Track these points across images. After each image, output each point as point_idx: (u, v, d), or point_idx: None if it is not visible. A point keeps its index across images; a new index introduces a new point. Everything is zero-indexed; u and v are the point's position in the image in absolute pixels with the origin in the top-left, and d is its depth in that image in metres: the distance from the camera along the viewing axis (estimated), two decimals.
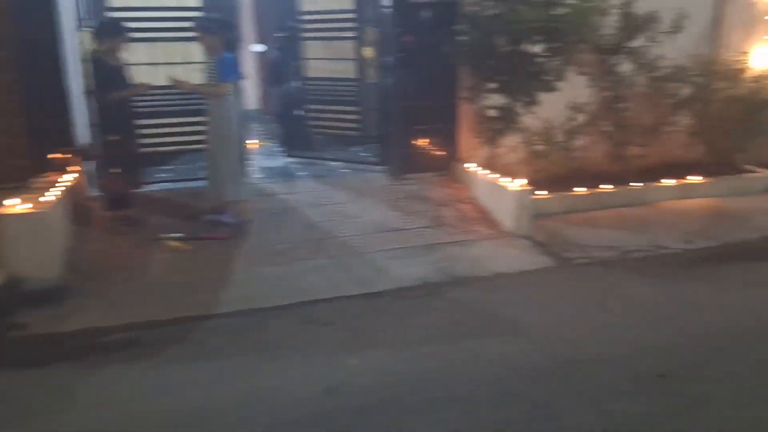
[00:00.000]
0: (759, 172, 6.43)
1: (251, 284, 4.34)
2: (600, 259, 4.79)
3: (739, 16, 6.52)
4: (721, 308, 3.99)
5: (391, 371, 3.30)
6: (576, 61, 5.60)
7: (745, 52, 6.40)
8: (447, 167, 6.24)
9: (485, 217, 5.49)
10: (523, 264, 4.69)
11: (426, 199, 5.83)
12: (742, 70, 6.24)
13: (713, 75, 6.19)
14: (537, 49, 5.47)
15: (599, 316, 3.91)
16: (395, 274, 4.49)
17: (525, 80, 5.51)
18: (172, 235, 4.98)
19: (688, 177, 6.16)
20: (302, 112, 7.61)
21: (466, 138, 6.12)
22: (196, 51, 5.71)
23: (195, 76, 5.46)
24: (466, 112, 6.05)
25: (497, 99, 5.73)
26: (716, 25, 6.51)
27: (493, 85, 5.68)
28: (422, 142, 6.23)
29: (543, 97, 5.59)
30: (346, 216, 5.51)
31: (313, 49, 7.45)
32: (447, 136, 6.20)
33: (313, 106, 7.59)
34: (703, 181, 6.17)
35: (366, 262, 4.68)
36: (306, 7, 7.38)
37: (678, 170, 6.23)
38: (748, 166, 6.50)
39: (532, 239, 5.10)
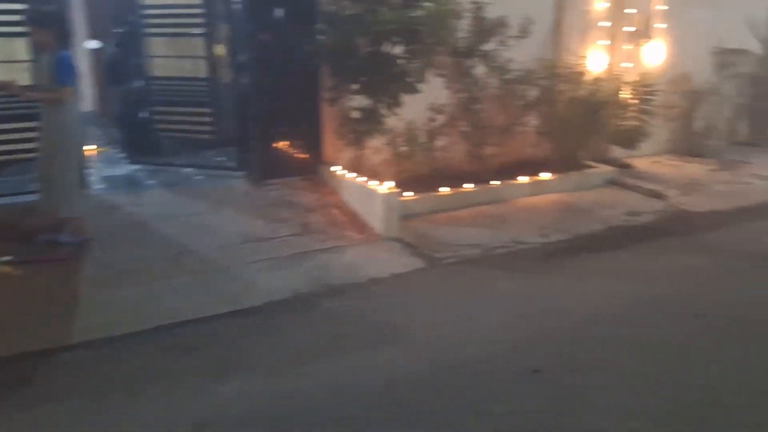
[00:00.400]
0: (599, 168, 6.96)
1: (100, 310, 3.86)
2: (467, 257, 4.87)
3: (575, 22, 7.00)
4: (581, 298, 4.21)
5: (268, 397, 3.06)
6: (435, 63, 5.66)
7: (583, 56, 6.90)
8: (313, 171, 6.06)
9: (355, 221, 5.38)
10: (395, 267, 4.64)
11: (292, 205, 5.60)
12: (581, 73, 6.71)
13: (557, 78, 6.59)
14: (398, 50, 5.46)
15: (473, 315, 3.95)
16: (264, 288, 4.23)
17: (387, 82, 5.48)
18: None
19: (539, 174, 6.50)
20: (147, 115, 7.02)
21: (331, 140, 5.98)
22: (20, 48, 5.01)
23: (21, 76, 4.77)
24: (329, 114, 5.91)
25: (361, 100, 5.65)
26: (556, 30, 6.94)
27: (355, 86, 5.59)
28: (284, 145, 5.99)
29: (405, 98, 5.59)
30: (205, 227, 5.13)
31: (157, 45, 6.90)
32: (311, 138, 6.01)
33: (159, 108, 7.04)
34: (552, 177, 6.54)
35: (231, 277, 4.37)
36: (148, 1, 6.81)
37: (530, 168, 6.55)
38: (589, 162, 7.00)
39: (402, 241, 5.08)
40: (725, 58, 8.17)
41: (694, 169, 7.48)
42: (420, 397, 3.06)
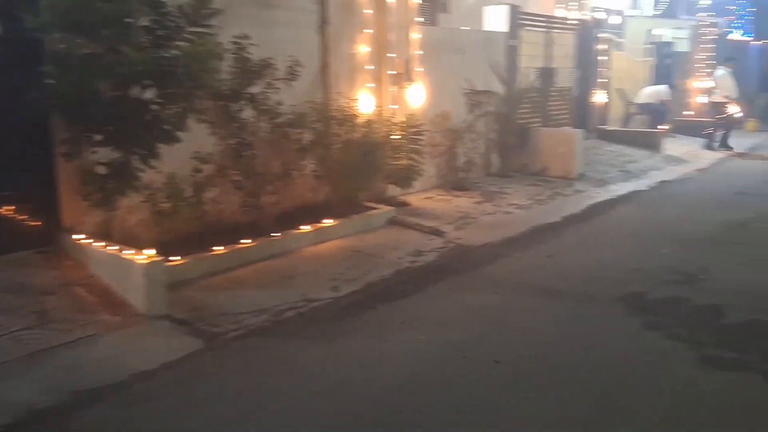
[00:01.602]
0: (379, 208, 6.85)
1: None
2: (254, 327, 4.26)
3: (342, 65, 6.89)
4: (384, 359, 3.87)
5: None
6: (196, 108, 5.01)
7: (354, 99, 6.79)
8: (49, 241, 4.94)
9: (109, 300, 4.42)
10: (166, 354, 3.82)
11: (22, 289, 4.43)
12: (354, 116, 6.57)
13: (330, 121, 6.36)
14: (150, 95, 4.70)
15: (267, 406, 3.34)
16: None
17: (139, 130, 4.67)
18: None
19: (322, 220, 6.16)
20: None
21: (72, 201, 4.94)
22: None
23: None
24: (67, 171, 4.88)
25: (107, 153, 4.74)
26: (324, 73, 6.75)
27: (99, 137, 4.68)
28: (7, 211, 4.80)
29: (164, 148, 4.83)
30: None
31: None
32: (44, 201, 4.91)
33: None
34: (334, 223, 6.24)
35: None
36: None
37: (311, 214, 6.19)
38: (369, 203, 6.87)
39: (173, 318, 4.28)
40: (475, 98, 8.77)
41: (461, 202, 7.80)
42: None
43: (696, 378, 3.64)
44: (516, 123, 9.49)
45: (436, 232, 6.49)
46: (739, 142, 12.98)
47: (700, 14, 15.68)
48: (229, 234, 5.45)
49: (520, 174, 9.37)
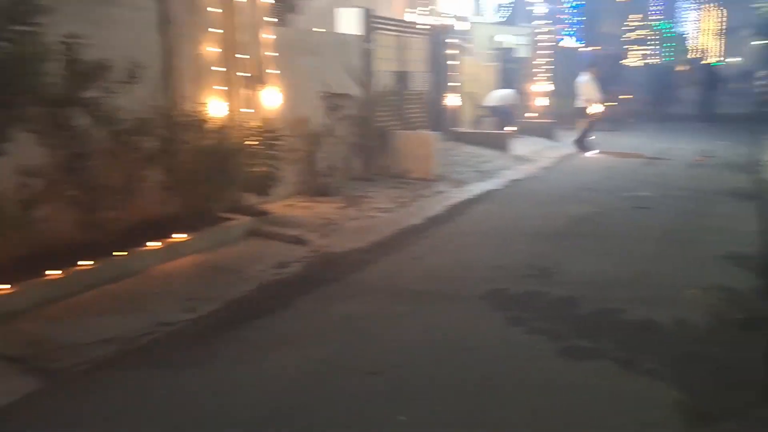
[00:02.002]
0: (236, 219, 6.50)
1: None
2: (101, 359, 3.80)
3: (189, 67, 6.44)
4: (252, 385, 3.60)
5: None
6: (21, 117, 4.39)
7: (203, 103, 6.37)
8: None
9: None
10: None
11: None
12: (204, 121, 6.16)
13: (178, 127, 5.90)
14: None
15: None
16: None
17: None
18: None
19: (172, 235, 5.70)
20: None
21: None
22: None
23: None
24: None
25: None
26: (170, 76, 6.27)
27: None
28: None
29: None
30: None
31: None
32: None
33: None
34: (188, 237, 5.81)
35: None
36: None
37: (161, 229, 5.70)
38: (225, 215, 6.49)
39: (2, 356, 3.70)
40: (333, 101, 8.66)
41: (324, 208, 7.64)
42: None
43: (556, 370, 3.76)
44: (375, 126, 9.51)
45: (300, 241, 6.27)
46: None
47: (537, 22, 16.81)
48: (66, 256, 4.85)
49: (382, 177, 9.40)
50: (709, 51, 43.96)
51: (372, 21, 9.93)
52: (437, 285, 5.23)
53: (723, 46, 47.93)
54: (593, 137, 13.38)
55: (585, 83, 13.36)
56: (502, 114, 13.60)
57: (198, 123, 6.10)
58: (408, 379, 3.64)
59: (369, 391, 3.52)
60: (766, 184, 9.19)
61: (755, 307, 4.61)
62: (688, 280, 5.18)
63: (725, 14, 45.42)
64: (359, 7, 9.78)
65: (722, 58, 42.34)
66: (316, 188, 8.22)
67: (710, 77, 21.29)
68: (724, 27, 46.48)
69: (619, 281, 5.24)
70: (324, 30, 9.45)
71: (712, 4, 44.30)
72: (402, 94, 10.85)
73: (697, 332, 4.22)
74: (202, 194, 6.19)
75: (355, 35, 9.66)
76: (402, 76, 10.92)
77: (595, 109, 13.19)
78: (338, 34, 9.75)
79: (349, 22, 9.77)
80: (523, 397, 3.44)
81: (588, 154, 12.91)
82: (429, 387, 3.55)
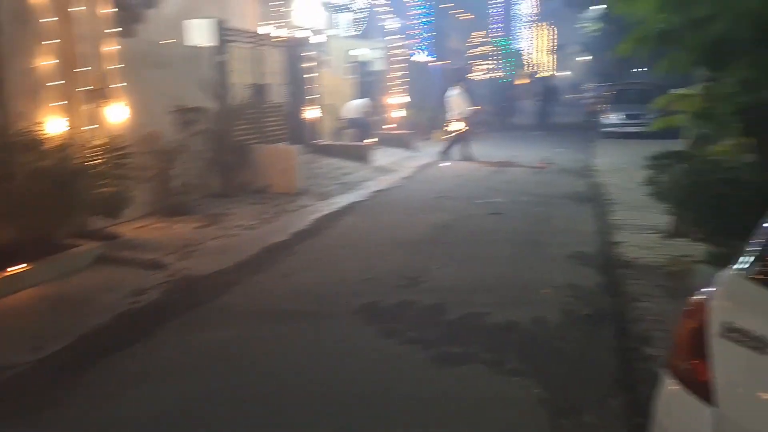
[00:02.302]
0: (84, 245, 5.97)
1: None
2: None
3: (22, 82, 5.83)
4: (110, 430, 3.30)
5: None
6: None
7: (40, 121, 5.79)
8: None
9: None
10: None
11: None
12: (41, 140, 5.60)
13: (11, 147, 5.31)
14: None
15: None
16: None
17: None
18: None
19: (9, 267, 5.11)
20: None
21: None
22: None
23: None
24: None
25: None
26: None
27: None
28: None
29: None
30: None
31: None
32: None
33: None
34: (27, 267, 5.24)
35: None
36: None
37: None
38: (71, 241, 5.94)
39: None
40: (186, 116, 8.29)
41: (182, 228, 7.27)
42: None
43: (429, 378, 3.84)
44: (233, 140, 9.23)
45: (158, 265, 5.88)
46: (429, 151, 14.61)
47: (390, 37, 17.33)
48: None
49: (243, 193, 9.14)
50: (543, 66, 47.96)
51: (225, 33, 9.64)
52: (309, 303, 5.15)
53: (554, 61, 52.54)
54: (461, 148, 13.89)
55: (455, 97, 13.95)
56: (361, 125, 13.82)
57: (35, 142, 5.54)
58: (283, 405, 3.53)
59: (242, 423, 3.36)
60: (598, 188, 10.15)
61: (600, 301, 5.03)
62: (541, 281, 5.55)
63: (555, 32, 49.92)
64: (211, 18, 9.45)
65: (554, 73, 46.39)
66: (171, 207, 7.80)
67: (545, 90, 23.21)
68: (554, 44, 51.01)
69: (482, 285, 5.49)
70: (174, 41, 9.01)
71: (543, 23, 48.40)
72: (260, 108, 10.63)
73: (553, 330, 4.51)
74: (42, 220, 5.62)
75: (209, 47, 9.32)
76: (260, 89, 10.72)
77: (457, 126, 13.75)
78: (190, 46, 9.35)
79: (201, 34, 9.40)
80: (399, 408, 3.47)
81: (448, 163, 13.50)
82: (305, 411, 3.47)
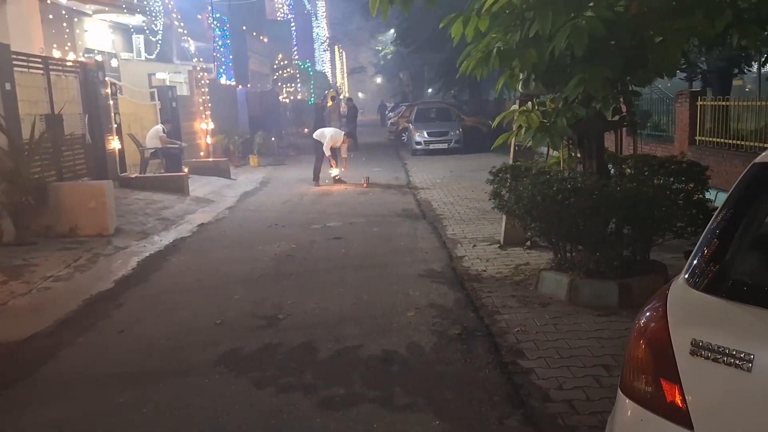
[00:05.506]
0: None
1: None
2: None
3: None
4: None
5: None
6: None
7: None
8: None
9: None
10: None
11: None
12: None
13: None
14: None
15: None
16: None
17: None
18: None
19: None
20: None
21: None
22: None
23: None
24: None
25: None
26: None
27: None
28: None
29: None
30: None
31: None
32: None
33: None
34: None
35: None
36: None
37: None
38: None
39: None
40: None
41: None
42: None
43: (322, 428, 3.52)
44: (29, 179, 7.97)
45: None
46: (247, 178, 14.05)
47: (193, 60, 16.48)
48: None
49: (46, 238, 7.92)
50: (343, 87, 49.48)
51: (8, 57, 8.34)
52: (159, 360, 4.51)
53: (351, 83, 54.52)
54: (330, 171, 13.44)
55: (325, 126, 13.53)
56: (169, 154, 12.85)
57: None
58: None
59: None
60: (424, 204, 10.54)
61: (464, 318, 5.09)
62: (402, 303, 5.49)
63: (345, 56, 51.81)
64: None
65: (351, 94, 48.10)
66: None
67: (350, 111, 23.78)
68: (351, 67, 52.93)
69: (345, 316, 5.27)
70: None
71: (338, 46, 49.98)
72: (57, 141, 9.36)
73: (430, 354, 4.43)
74: None
75: None
76: (54, 120, 9.42)
77: (329, 149, 13.11)
78: None
79: None
80: None
81: (320, 186, 13.03)
82: None
